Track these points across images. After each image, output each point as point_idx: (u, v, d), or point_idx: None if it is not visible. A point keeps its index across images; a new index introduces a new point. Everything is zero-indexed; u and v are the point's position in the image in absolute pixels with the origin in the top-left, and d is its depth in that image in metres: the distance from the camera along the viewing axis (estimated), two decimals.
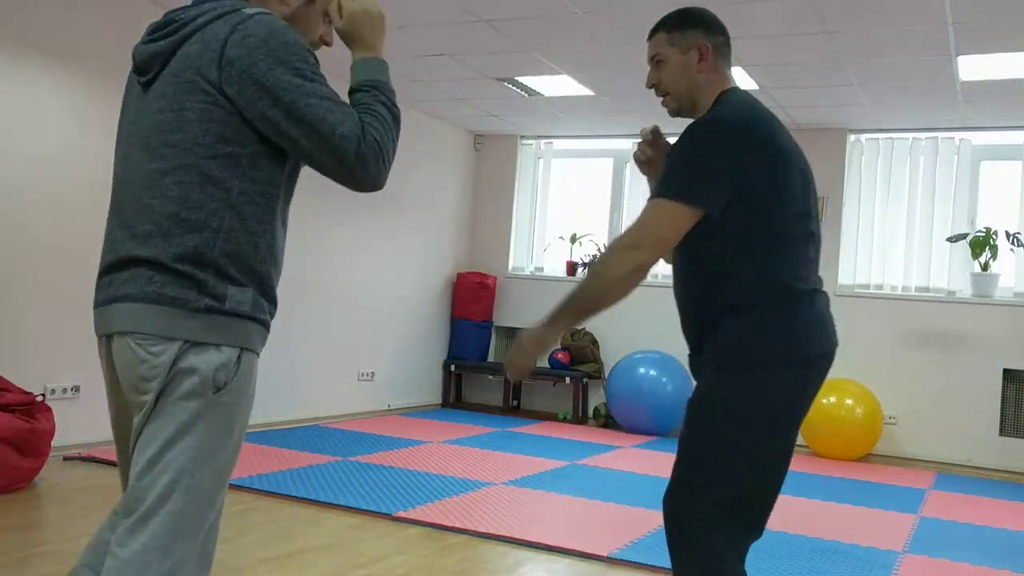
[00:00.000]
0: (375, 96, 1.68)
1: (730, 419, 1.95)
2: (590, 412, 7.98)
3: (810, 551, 3.92)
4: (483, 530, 3.85)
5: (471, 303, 8.21)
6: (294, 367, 6.50)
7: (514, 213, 8.54)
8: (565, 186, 8.57)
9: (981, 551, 4.14)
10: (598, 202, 8.33)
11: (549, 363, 7.98)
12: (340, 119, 1.58)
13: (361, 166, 1.60)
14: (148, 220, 1.60)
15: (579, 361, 7.94)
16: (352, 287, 7.09)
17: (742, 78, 5.97)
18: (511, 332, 8.51)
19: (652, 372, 7.12)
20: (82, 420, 4.93)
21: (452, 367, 8.22)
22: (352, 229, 7.04)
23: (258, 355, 1.68)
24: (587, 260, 8.14)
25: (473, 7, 5.03)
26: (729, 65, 2.15)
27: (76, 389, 4.95)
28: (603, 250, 1.90)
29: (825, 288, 2.07)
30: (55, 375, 4.85)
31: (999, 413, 6.68)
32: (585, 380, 7.85)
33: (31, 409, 4.16)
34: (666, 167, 2.01)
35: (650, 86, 2.15)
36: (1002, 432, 6.68)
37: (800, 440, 7.01)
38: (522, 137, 8.52)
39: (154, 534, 1.54)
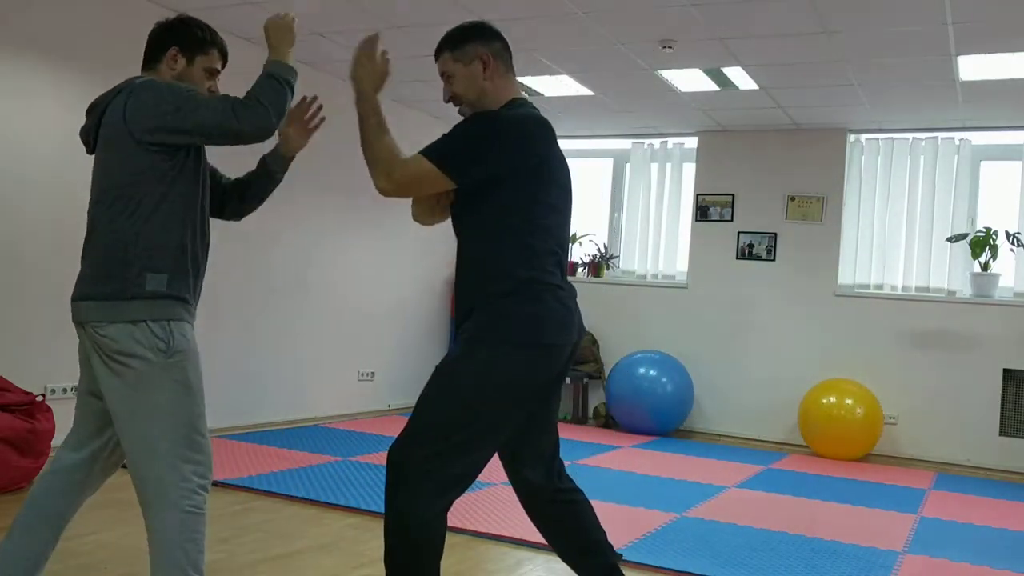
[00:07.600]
0: (262, 79, 2.24)
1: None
2: (590, 412, 7.98)
3: (810, 551, 3.92)
4: (483, 530, 3.85)
5: None
6: (294, 367, 6.50)
7: None
8: None
9: (981, 551, 4.14)
10: (598, 202, 8.33)
11: None
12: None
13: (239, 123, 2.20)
14: None
15: (579, 361, 7.94)
16: (352, 287, 7.09)
17: (742, 78, 5.97)
18: None
19: (652, 372, 7.11)
20: None
21: None
22: (352, 229, 7.04)
23: None
24: (587, 260, 8.15)
25: (473, 7, 5.03)
26: (512, 72, 2.44)
27: (76, 389, 4.94)
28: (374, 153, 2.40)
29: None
30: (55, 375, 4.85)
31: (999, 413, 6.68)
32: (585, 380, 7.85)
33: (31, 409, 4.16)
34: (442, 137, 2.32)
35: (447, 100, 2.49)
36: (1002, 432, 6.68)
37: (800, 440, 7.02)
38: None
39: None
